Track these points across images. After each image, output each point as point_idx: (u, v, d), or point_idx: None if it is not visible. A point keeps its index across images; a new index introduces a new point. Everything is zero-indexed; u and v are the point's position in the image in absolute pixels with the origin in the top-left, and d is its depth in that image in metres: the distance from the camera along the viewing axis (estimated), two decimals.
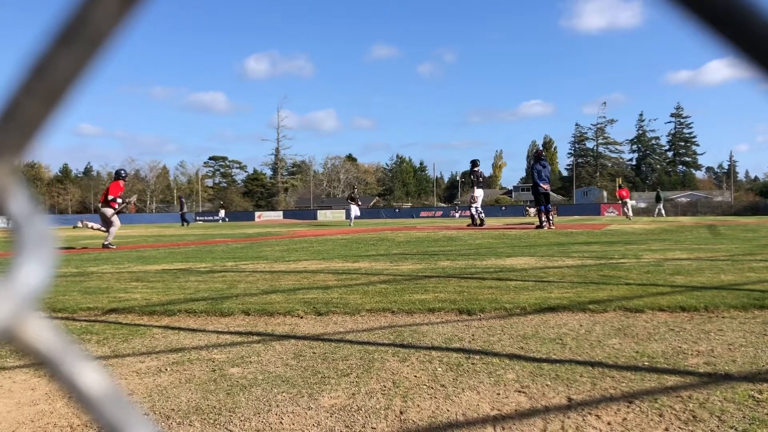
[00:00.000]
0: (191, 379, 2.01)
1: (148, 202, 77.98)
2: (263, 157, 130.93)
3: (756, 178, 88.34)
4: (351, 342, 2.49)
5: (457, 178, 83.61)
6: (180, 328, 2.87)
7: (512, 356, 2.17)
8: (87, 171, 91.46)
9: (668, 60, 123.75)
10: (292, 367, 2.12)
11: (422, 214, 47.49)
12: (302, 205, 72.69)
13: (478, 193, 15.21)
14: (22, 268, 0.21)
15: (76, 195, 79.38)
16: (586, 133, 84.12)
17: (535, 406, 1.65)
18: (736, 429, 1.43)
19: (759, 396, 1.66)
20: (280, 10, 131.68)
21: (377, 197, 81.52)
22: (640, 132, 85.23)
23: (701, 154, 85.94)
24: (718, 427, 1.45)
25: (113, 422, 0.22)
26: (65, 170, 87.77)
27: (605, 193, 67.87)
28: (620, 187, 29.39)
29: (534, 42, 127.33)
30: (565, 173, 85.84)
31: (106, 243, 10.01)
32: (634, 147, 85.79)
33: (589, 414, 1.57)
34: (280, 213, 53.58)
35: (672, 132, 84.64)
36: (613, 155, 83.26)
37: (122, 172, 11.16)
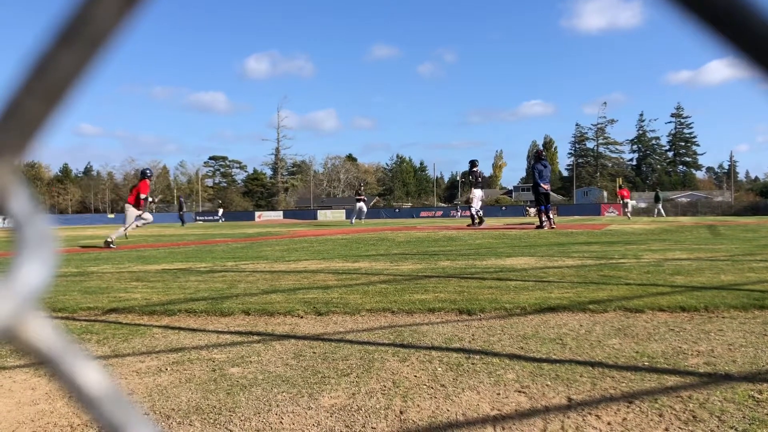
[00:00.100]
0: (191, 379, 2.01)
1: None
2: (263, 157, 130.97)
3: (756, 178, 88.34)
4: (351, 342, 2.49)
5: (458, 178, 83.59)
6: (180, 328, 2.88)
7: (512, 356, 2.18)
8: (87, 171, 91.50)
9: (668, 60, 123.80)
10: (292, 367, 2.12)
11: (422, 214, 47.48)
12: (302, 205, 72.70)
13: (477, 193, 15.21)
14: (23, 267, 0.21)
15: (76, 195, 79.38)
16: (586, 133, 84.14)
17: (535, 406, 1.65)
18: (736, 429, 1.43)
19: (759, 396, 1.66)
20: (280, 10, 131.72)
21: (377, 197, 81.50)
22: (641, 132, 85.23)
23: (701, 154, 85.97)
24: (718, 427, 1.45)
25: (114, 421, 0.22)
26: (65, 170, 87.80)
27: (605, 193, 67.88)
28: (621, 187, 29.51)
29: (534, 42, 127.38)
30: (565, 173, 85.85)
31: (111, 240, 10.00)
32: (635, 147, 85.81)
33: (589, 414, 1.57)
34: (280, 213, 53.57)
35: (672, 132, 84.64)
36: (614, 155, 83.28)
37: (148, 171, 11.30)
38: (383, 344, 2.42)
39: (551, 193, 13.27)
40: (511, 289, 3.70)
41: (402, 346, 2.39)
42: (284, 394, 1.82)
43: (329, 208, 57.86)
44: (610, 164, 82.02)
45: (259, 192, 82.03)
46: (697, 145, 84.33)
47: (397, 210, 51.24)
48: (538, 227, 13.06)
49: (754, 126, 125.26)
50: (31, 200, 0.22)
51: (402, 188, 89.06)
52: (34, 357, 0.22)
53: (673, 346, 2.26)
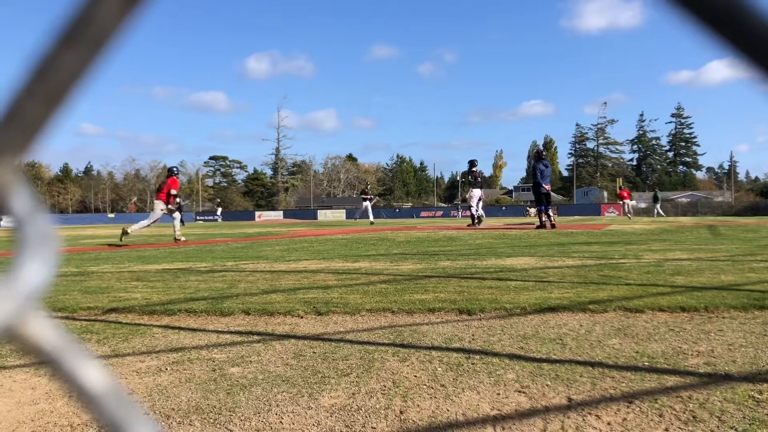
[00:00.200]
0: (191, 379, 2.01)
1: (148, 202, 77.96)
2: (263, 157, 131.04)
3: (756, 178, 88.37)
4: (351, 342, 2.49)
5: (458, 178, 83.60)
6: (180, 328, 2.88)
7: (512, 356, 2.18)
8: (87, 170, 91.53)
9: (669, 60, 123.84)
10: (292, 367, 2.12)
11: (422, 214, 47.48)
12: (302, 204, 72.70)
13: (476, 192, 15.22)
14: (24, 266, 0.21)
15: (77, 194, 79.40)
16: (586, 133, 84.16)
17: (535, 406, 1.65)
18: (736, 429, 1.43)
19: (759, 396, 1.66)
20: (280, 10, 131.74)
21: (377, 197, 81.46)
22: (641, 132, 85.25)
23: (702, 155, 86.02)
24: (718, 427, 1.45)
25: (114, 420, 0.22)
26: (66, 170, 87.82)
27: (605, 194, 67.88)
28: (621, 188, 29.69)
29: (534, 42, 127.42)
30: (565, 173, 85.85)
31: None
32: (635, 147, 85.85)
33: (589, 414, 1.57)
34: (281, 213, 53.58)
35: (672, 132, 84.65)
36: (614, 155, 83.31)
37: (175, 168, 11.70)
38: (383, 344, 2.42)
39: (551, 193, 13.26)
40: (511, 289, 3.70)
41: (402, 346, 2.39)
42: (284, 393, 1.82)
43: (329, 208, 57.86)
44: (610, 164, 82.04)
45: (259, 192, 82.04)
46: (698, 146, 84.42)
47: (397, 210, 51.24)
48: (538, 227, 13.06)
49: (755, 126, 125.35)
50: (32, 200, 0.22)
51: (402, 188, 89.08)
52: (35, 356, 0.22)
53: (673, 346, 2.26)
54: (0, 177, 0.21)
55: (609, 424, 1.50)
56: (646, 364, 2.03)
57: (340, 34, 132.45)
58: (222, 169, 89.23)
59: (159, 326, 2.93)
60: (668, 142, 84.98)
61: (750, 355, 2.11)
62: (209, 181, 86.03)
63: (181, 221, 30.04)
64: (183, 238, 10.71)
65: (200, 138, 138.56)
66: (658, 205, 31.86)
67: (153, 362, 2.25)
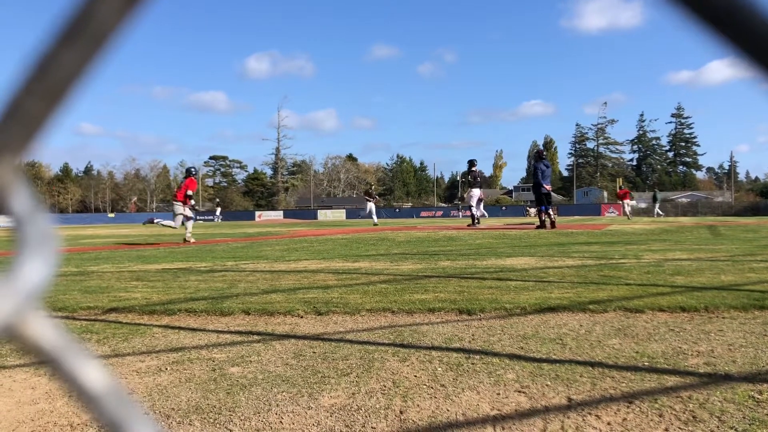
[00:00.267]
0: (191, 379, 2.01)
1: (148, 202, 78.02)
2: (263, 157, 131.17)
3: (756, 178, 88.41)
4: (351, 342, 2.49)
5: (458, 178, 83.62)
6: (180, 328, 2.88)
7: (512, 356, 2.18)
8: (87, 170, 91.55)
9: (669, 60, 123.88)
10: (292, 367, 2.12)
11: (422, 214, 47.49)
12: (302, 204, 72.72)
13: (475, 192, 15.24)
14: (24, 265, 0.21)
15: (77, 194, 79.42)
16: (586, 133, 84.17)
17: (535, 406, 1.65)
18: (735, 429, 1.43)
19: (759, 396, 1.66)
20: (280, 9, 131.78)
21: (377, 197, 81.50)
22: (641, 132, 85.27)
23: (702, 155, 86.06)
24: (718, 427, 1.45)
25: (115, 419, 0.22)
26: (66, 169, 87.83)
27: (605, 194, 67.90)
28: (620, 188, 29.94)
29: (534, 42, 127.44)
30: (565, 173, 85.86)
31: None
32: (635, 147, 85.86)
33: (589, 414, 1.57)
34: (281, 213, 53.60)
35: (672, 132, 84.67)
36: (614, 155, 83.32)
37: (192, 169, 11.87)
38: (383, 344, 2.42)
39: (552, 193, 13.28)
40: (511, 289, 3.70)
41: (402, 346, 2.39)
42: (284, 393, 1.82)
43: (329, 207, 57.87)
44: (610, 164, 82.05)
45: (259, 192, 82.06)
46: (698, 146, 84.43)
47: (397, 210, 51.25)
48: (538, 227, 13.06)
49: (755, 126, 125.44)
50: (32, 199, 0.22)
51: (402, 188, 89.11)
52: (35, 355, 0.22)
53: (673, 347, 2.26)
54: (1, 175, 0.21)
55: (609, 424, 1.50)
56: (646, 364, 2.03)
57: (340, 34, 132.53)
58: (222, 169, 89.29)
59: (159, 326, 2.93)
60: (668, 142, 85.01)
61: (750, 355, 2.11)
62: (209, 181, 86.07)
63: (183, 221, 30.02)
64: (192, 240, 10.76)
65: (200, 138, 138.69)
66: (657, 205, 32.08)
67: (153, 362, 2.25)
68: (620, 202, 28.70)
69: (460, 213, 42.36)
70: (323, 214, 48.60)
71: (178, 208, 11.03)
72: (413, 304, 3.22)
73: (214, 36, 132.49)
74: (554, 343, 2.34)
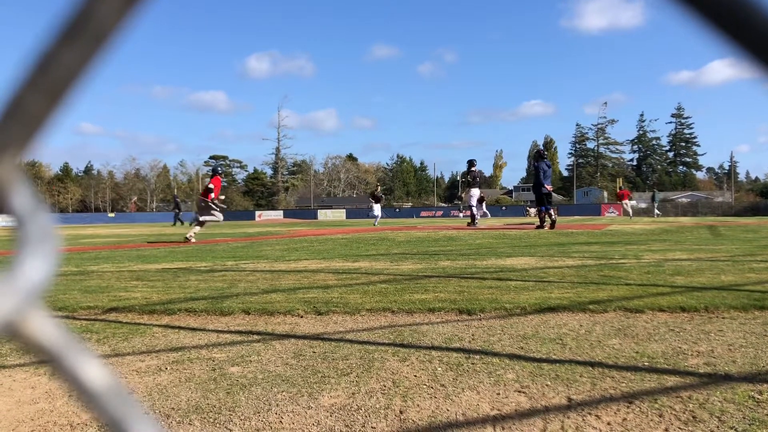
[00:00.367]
0: (191, 378, 2.01)
1: (148, 201, 78.05)
2: (264, 157, 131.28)
3: (756, 178, 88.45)
4: (351, 341, 2.49)
5: (458, 178, 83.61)
6: (180, 327, 2.88)
7: (512, 356, 2.17)
8: (87, 170, 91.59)
9: (669, 60, 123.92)
10: (292, 367, 2.12)
11: (422, 213, 47.49)
12: (303, 204, 72.73)
13: (475, 192, 15.26)
14: (25, 263, 0.21)
15: (77, 194, 79.44)
16: (586, 133, 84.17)
17: (535, 406, 1.65)
18: (735, 429, 1.43)
19: (759, 397, 1.66)
20: (280, 9, 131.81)
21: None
22: (641, 132, 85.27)
23: (702, 155, 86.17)
24: (717, 427, 1.45)
25: (116, 417, 0.22)
26: (66, 169, 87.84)
27: (605, 194, 67.92)
28: (620, 188, 30.25)
29: (534, 42, 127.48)
30: (565, 173, 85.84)
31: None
32: (635, 147, 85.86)
33: (589, 414, 1.57)
34: (281, 212, 53.59)
35: (673, 132, 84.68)
36: (614, 155, 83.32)
37: (219, 168, 11.96)
38: (383, 344, 2.42)
39: (552, 193, 13.29)
40: (511, 289, 3.70)
41: (402, 345, 2.39)
42: (284, 393, 1.82)
43: (329, 207, 57.87)
44: (610, 164, 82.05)
45: (259, 191, 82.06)
46: (698, 146, 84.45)
47: (397, 210, 51.25)
48: (538, 227, 13.06)
49: (756, 126, 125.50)
50: (33, 197, 0.22)
51: (402, 188, 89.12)
52: (36, 353, 0.22)
53: (673, 347, 2.26)
54: (1, 174, 0.21)
55: (609, 424, 1.50)
56: (646, 364, 2.03)
57: (340, 34, 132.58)
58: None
59: (159, 326, 2.93)
60: (668, 142, 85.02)
61: (750, 355, 2.11)
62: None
63: (180, 221, 29.91)
64: (193, 240, 10.80)
65: (200, 138, 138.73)
66: (656, 205, 32.39)
67: (153, 362, 2.25)
68: (620, 202, 28.91)
69: (461, 213, 42.37)
70: (323, 214, 48.60)
71: (212, 205, 11.21)
72: (413, 304, 3.22)
73: (214, 36, 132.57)
74: (554, 343, 2.34)
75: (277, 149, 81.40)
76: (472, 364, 2.09)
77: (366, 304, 3.25)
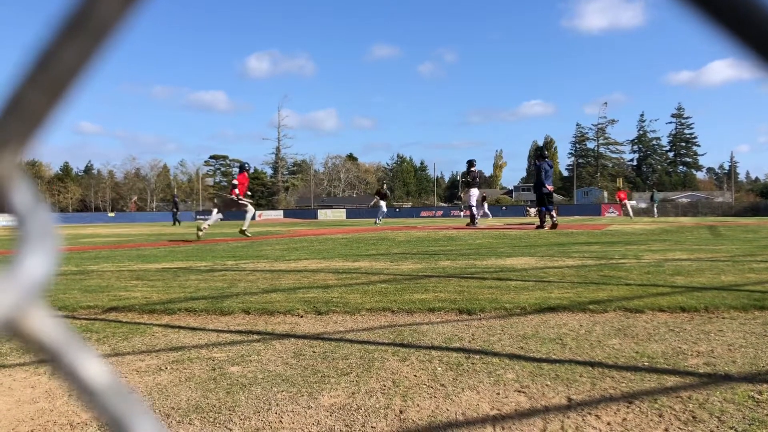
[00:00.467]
0: (191, 378, 2.01)
1: (148, 201, 78.06)
2: (264, 156, 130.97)
3: (757, 179, 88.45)
4: (351, 341, 2.49)
5: (458, 178, 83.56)
6: (180, 327, 2.88)
7: (512, 356, 2.17)
8: (88, 169, 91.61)
9: (669, 60, 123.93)
10: (292, 366, 2.12)
11: (423, 213, 47.49)
12: (303, 204, 72.74)
13: (474, 192, 15.28)
14: (26, 260, 0.21)
15: (77, 193, 79.45)
16: (586, 133, 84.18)
17: (535, 406, 1.65)
18: (735, 429, 1.43)
19: (759, 397, 1.66)
20: (280, 9, 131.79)
21: (377, 197, 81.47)
22: (641, 132, 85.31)
23: (702, 155, 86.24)
24: (717, 427, 1.45)
25: (116, 414, 0.22)
26: (66, 168, 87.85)
27: (606, 194, 67.93)
28: (619, 189, 30.61)
29: (535, 42, 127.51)
30: (565, 173, 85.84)
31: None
32: (635, 147, 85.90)
33: (589, 414, 1.57)
34: (281, 212, 53.59)
35: (673, 132, 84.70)
36: (614, 155, 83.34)
37: (246, 165, 12.08)
38: (383, 344, 2.42)
39: (553, 193, 13.29)
40: (511, 289, 3.70)
41: (402, 345, 2.38)
42: (284, 393, 1.82)
43: (330, 207, 57.87)
44: (610, 164, 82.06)
45: (259, 191, 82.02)
46: (698, 146, 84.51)
47: (397, 210, 51.23)
48: (538, 227, 13.06)
49: (756, 126, 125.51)
50: (34, 194, 0.22)
51: (402, 188, 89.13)
52: (36, 350, 0.22)
53: (673, 347, 2.26)
54: (1, 170, 0.21)
55: (609, 424, 1.50)
56: (646, 364, 2.03)
57: (340, 34, 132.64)
58: (222, 169, 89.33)
59: (159, 325, 2.93)
60: (668, 142, 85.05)
61: (750, 355, 2.11)
62: (209, 181, 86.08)
63: (177, 221, 29.88)
64: (202, 235, 11.10)
65: (200, 137, 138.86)
66: (655, 206, 32.68)
67: (153, 361, 2.25)
68: (619, 202, 29.10)
69: (462, 213, 42.34)
70: (323, 214, 48.60)
71: (243, 201, 11.38)
72: (413, 303, 3.22)
73: (214, 35, 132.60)
74: (554, 343, 2.34)
75: (277, 149, 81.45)
76: (472, 363, 2.09)
77: (366, 303, 3.25)
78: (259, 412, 1.66)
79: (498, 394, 1.76)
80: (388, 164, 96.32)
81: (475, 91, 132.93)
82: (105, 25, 0.20)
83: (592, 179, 79.71)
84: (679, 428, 1.46)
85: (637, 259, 5.59)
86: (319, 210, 51.44)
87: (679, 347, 2.25)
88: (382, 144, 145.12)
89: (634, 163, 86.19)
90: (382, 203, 21.67)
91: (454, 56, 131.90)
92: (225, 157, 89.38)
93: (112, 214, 54.78)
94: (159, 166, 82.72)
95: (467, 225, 15.58)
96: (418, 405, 1.68)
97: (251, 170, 12.30)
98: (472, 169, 15.29)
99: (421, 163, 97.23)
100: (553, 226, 12.84)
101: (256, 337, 2.61)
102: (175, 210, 30.57)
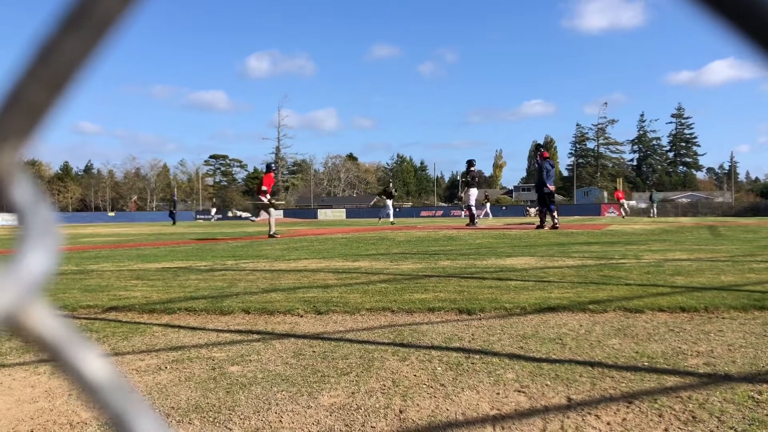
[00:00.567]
0: (191, 378, 2.01)
1: (148, 200, 78.08)
2: (264, 156, 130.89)
3: (757, 179, 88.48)
4: (351, 341, 2.49)
5: (458, 178, 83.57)
6: (180, 327, 2.87)
7: (512, 356, 2.17)
8: (87, 169, 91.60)
9: (669, 60, 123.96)
10: (291, 366, 2.12)
11: (423, 213, 47.49)
12: (303, 204, 72.75)
13: (474, 192, 15.29)
14: (27, 256, 0.21)
15: (77, 193, 79.46)
16: (587, 133, 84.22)
17: (535, 405, 1.65)
18: (735, 430, 1.43)
19: (758, 397, 1.66)
20: (281, 9, 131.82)
21: (377, 197, 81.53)
22: (641, 132, 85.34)
23: (702, 155, 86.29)
24: (717, 427, 1.45)
25: (117, 409, 0.22)
26: (66, 168, 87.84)
27: (605, 194, 67.96)
28: (616, 189, 30.90)
29: (535, 42, 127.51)
30: (565, 173, 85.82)
31: (271, 233, 11.29)
32: (635, 147, 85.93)
33: (589, 414, 1.57)
34: (281, 212, 53.57)
35: (673, 132, 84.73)
36: (614, 155, 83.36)
37: (272, 165, 12.21)
38: (383, 343, 2.42)
39: (554, 193, 13.28)
40: (511, 289, 3.70)
41: (402, 345, 2.38)
42: (284, 392, 1.82)
43: (330, 207, 57.88)
44: (610, 164, 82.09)
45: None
46: (698, 146, 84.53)
47: (397, 210, 51.22)
48: (538, 227, 13.06)
49: (756, 126, 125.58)
50: (35, 190, 0.22)
51: (402, 188, 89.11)
52: (36, 346, 0.22)
53: (672, 347, 2.26)
54: (2, 165, 0.21)
55: (609, 424, 1.50)
56: (645, 364, 2.03)
57: (340, 34, 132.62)
58: (222, 168, 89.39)
59: (159, 325, 2.92)
60: (669, 142, 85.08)
61: (750, 355, 2.11)
62: (209, 180, 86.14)
63: (174, 220, 29.89)
64: (278, 235, 11.27)
65: (200, 137, 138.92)
66: (654, 206, 32.92)
67: (153, 361, 2.25)
68: (617, 202, 29.31)
69: (462, 213, 42.36)
70: (323, 214, 48.61)
71: (263, 201, 11.47)
72: (413, 303, 3.22)
73: (214, 35, 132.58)
74: (554, 343, 2.34)
75: (277, 149, 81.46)
76: (472, 363, 2.09)
77: (366, 303, 3.25)
78: (258, 412, 1.66)
79: (498, 393, 1.76)
80: (388, 164, 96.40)
81: (476, 91, 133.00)
82: (107, 18, 0.20)
83: (592, 179, 79.73)
84: (678, 428, 1.45)
85: (637, 259, 5.59)
86: (319, 210, 51.46)
87: (679, 347, 2.25)
88: (382, 144, 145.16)
89: (634, 163, 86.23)
90: (389, 202, 21.65)
91: (455, 56, 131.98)
92: (225, 157, 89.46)
93: (112, 214, 54.78)
94: (159, 165, 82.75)
95: (467, 225, 15.59)
96: (417, 405, 1.68)
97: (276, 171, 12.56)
98: (472, 168, 15.30)
99: (421, 163, 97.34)
100: (554, 227, 12.83)
101: (255, 336, 2.61)
102: (172, 210, 30.57)
